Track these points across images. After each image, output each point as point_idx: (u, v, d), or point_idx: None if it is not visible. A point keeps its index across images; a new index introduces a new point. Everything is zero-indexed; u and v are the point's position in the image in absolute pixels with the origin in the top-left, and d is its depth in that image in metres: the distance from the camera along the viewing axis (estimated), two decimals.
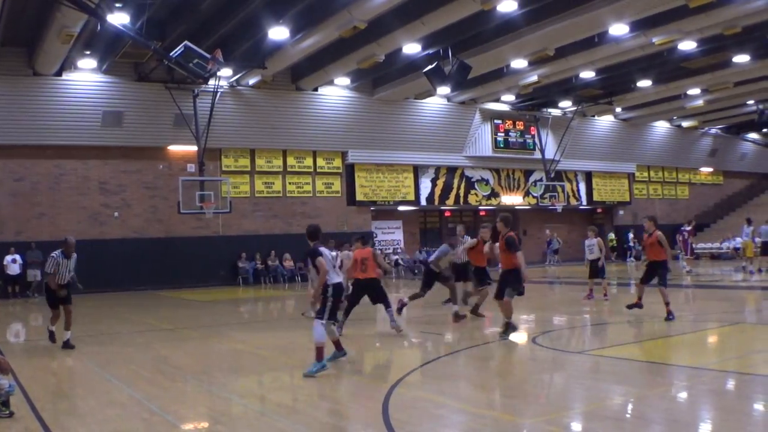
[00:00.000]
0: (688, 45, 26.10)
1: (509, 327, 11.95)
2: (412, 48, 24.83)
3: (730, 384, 8.49)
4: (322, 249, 9.56)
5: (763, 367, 9.03)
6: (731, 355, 9.53)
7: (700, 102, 37.12)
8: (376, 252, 13.50)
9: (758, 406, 7.42)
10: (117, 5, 19.55)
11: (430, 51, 25.00)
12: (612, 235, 42.40)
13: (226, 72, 27.08)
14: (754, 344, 11.56)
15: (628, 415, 7.29)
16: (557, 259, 40.42)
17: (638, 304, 14.24)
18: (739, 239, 32.80)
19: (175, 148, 30.50)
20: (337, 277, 9.64)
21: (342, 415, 7.75)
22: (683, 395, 8.07)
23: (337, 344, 9.82)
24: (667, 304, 13.61)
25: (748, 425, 6.69)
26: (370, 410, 7.51)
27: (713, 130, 47.62)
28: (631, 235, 41.38)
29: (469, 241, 15.52)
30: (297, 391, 8.78)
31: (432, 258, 15.64)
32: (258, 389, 9.25)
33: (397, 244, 37.54)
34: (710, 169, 49.82)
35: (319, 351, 9.19)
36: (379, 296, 13.07)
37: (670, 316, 13.47)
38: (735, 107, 39.91)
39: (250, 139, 31.65)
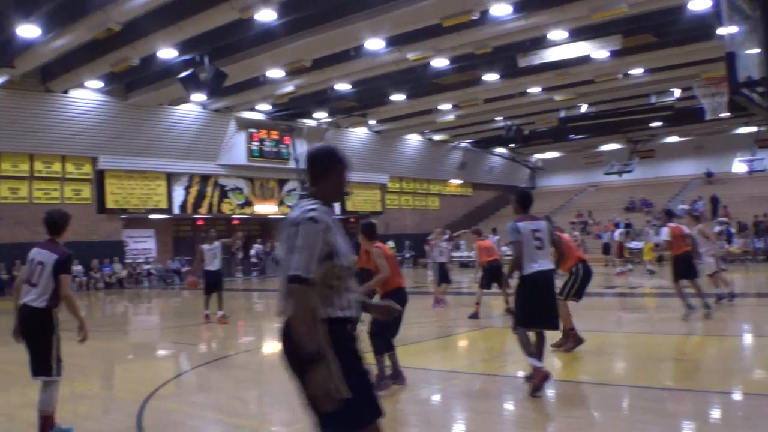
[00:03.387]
0: (440, 62, 27.10)
1: None
2: (168, 53, 23.95)
3: (479, 385, 8.84)
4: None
5: (511, 368, 9.36)
6: (479, 358, 9.85)
7: (451, 117, 38.82)
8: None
9: (508, 406, 7.92)
10: None
11: (187, 57, 24.40)
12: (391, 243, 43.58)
13: None
14: (502, 347, 11.84)
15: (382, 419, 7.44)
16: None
17: None
18: None
19: None
20: None
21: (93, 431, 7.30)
22: (436, 397, 8.34)
23: None
24: None
25: (497, 424, 7.12)
26: (123, 424, 7.25)
27: (463, 144, 50.43)
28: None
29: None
30: None
31: None
32: (6, 407, 8.57)
33: (150, 253, 36.32)
34: (460, 181, 52.79)
35: None
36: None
37: None
38: (484, 123, 41.99)
39: None
